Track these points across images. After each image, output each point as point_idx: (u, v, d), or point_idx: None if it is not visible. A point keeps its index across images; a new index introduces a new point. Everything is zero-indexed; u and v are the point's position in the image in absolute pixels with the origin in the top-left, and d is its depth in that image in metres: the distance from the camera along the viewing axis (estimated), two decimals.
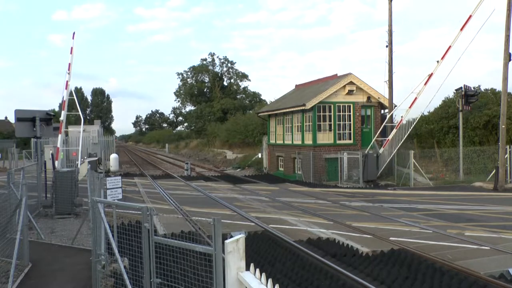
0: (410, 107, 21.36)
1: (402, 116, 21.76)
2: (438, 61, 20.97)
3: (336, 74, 26.16)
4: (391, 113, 24.59)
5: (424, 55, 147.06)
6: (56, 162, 16.07)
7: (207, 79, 69.51)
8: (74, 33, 19.41)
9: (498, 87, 23.09)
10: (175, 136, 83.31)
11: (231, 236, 4.38)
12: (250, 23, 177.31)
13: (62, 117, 17.55)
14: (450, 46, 20.18)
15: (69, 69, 18.43)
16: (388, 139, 21.84)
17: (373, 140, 23.11)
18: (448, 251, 8.81)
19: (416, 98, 21.16)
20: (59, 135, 17.35)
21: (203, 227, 10.64)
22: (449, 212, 13.66)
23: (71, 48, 19.02)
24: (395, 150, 21.58)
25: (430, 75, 20.79)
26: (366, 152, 21.63)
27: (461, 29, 19.79)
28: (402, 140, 21.36)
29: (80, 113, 22.47)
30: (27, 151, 34.16)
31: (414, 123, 21.76)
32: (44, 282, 7.13)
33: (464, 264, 7.85)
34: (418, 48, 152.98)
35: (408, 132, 21.60)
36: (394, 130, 21.65)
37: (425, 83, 21.00)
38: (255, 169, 32.45)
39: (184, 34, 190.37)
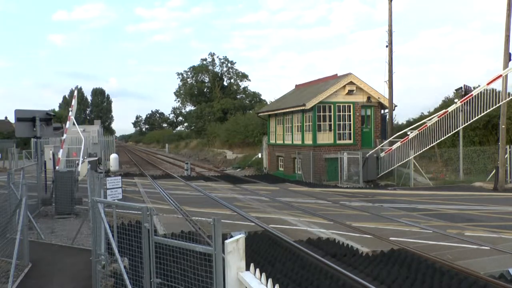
0: (419, 130, 21.21)
1: (408, 134, 21.56)
2: (456, 102, 20.70)
3: (336, 74, 26.16)
4: (391, 113, 24.60)
5: (424, 55, 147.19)
6: (57, 168, 16.37)
7: (207, 79, 69.52)
8: (77, 88, 22.20)
9: (498, 87, 23.08)
10: (175, 136, 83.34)
11: (231, 236, 4.38)
12: (250, 23, 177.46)
13: (64, 137, 19.45)
14: (471, 94, 19.87)
15: (71, 108, 21.22)
16: (391, 148, 21.78)
17: (379, 146, 22.94)
18: (448, 251, 8.81)
19: (426, 125, 20.98)
20: (61, 149, 18.35)
21: (203, 227, 10.64)
22: (449, 212, 13.66)
23: (74, 97, 22.37)
24: (402, 162, 21.41)
25: (445, 112, 20.61)
26: (367, 155, 21.59)
27: (488, 84, 19.36)
28: (412, 156, 21.07)
29: (81, 134, 23.42)
30: (27, 151, 34.17)
31: (429, 146, 21.21)
32: (44, 282, 7.13)
33: (464, 264, 7.85)
34: (418, 48, 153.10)
35: (421, 151, 21.16)
36: (399, 143, 21.49)
37: (439, 116, 20.83)
38: (255, 169, 32.45)
39: (184, 34, 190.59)
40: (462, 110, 20.38)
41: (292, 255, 8.74)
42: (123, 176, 20.26)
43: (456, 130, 20.65)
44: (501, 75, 18.87)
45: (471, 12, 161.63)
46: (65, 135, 19.49)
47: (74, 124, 21.54)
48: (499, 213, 13.35)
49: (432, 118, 21.06)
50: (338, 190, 19.99)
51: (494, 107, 19.39)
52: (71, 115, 20.22)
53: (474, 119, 20.26)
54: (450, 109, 20.55)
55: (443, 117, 20.81)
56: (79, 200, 13.48)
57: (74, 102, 21.37)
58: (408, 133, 21.40)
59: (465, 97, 20.31)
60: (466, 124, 20.51)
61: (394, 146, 21.62)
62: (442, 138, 20.86)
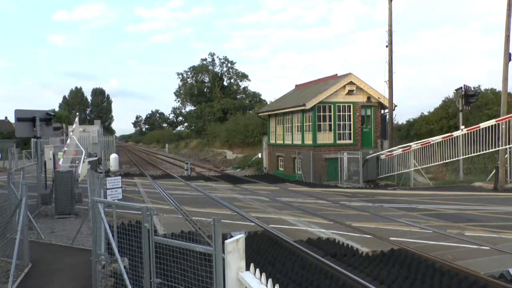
0: (422, 145, 20.86)
1: (411, 145, 21.34)
2: (462, 129, 20.01)
3: (336, 74, 26.16)
4: (391, 113, 24.59)
5: (424, 55, 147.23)
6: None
7: (207, 79, 69.55)
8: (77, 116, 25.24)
9: (498, 87, 23.10)
10: (175, 136, 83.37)
11: (231, 236, 4.38)
12: (250, 23, 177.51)
13: (65, 149, 20.71)
14: (479, 125, 19.07)
15: (72, 129, 23.72)
16: (392, 154, 21.72)
17: (381, 151, 22.79)
18: (448, 251, 8.81)
19: (429, 142, 20.53)
20: (62, 159, 19.10)
21: (203, 227, 10.63)
22: (449, 212, 13.66)
23: (75, 122, 25.34)
24: (402, 171, 21.28)
25: (450, 135, 20.09)
26: (367, 157, 21.55)
27: (497, 121, 18.45)
28: (413, 168, 20.84)
29: (81, 148, 24.32)
30: (27, 151, 34.17)
31: (430, 165, 20.55)
32: (44, 282, 7.13)
33: (464, 264, 7.85)
34: (418, 48, 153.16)
35: (421, 166, 20.67)
36: (400, 151, 21.38)
37: (443, 138, 20.51)
38: (255, 169, 32.45)
39: (184, 34, 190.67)
40: (465, 139, 19.52)
41: (292, 255, 8.73)
42: (123, 176, 20.26)
43: (456, 159, 20.06)
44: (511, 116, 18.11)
45: (471, 12, 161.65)
46: (65, 148, 20.48)
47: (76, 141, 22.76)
48: (499, 213, 13.35)
49: (437, 138, 20.59)
50: (338, 190, 19.99)
51: (498, 148, 18.38)
52: (72, 135, 22.19)
53: (475, 154, 19.47)
54: (455, 134, 19.91)
55: (447, 139, 20.12)
56: (79, 196, 13.39)
57: (75, 126, 24.26)
58: (412, 144, 21.17)
59: (472, 127, 19.51)
60: (465, 156, 19.82)
61: (395, 153, 21.49)
62: (443, 161, 20.24)
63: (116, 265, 6.02)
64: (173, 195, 17.40)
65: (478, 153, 19.10)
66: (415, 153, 20.75)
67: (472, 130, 19.28)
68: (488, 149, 18.63)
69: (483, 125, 18.99)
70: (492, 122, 18.69)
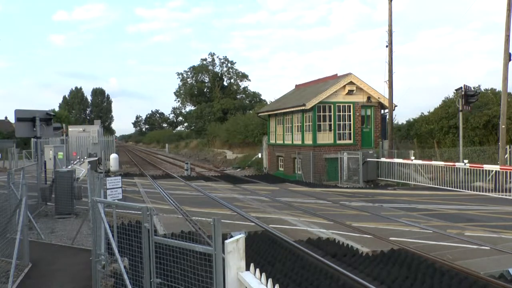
0: (423, 162, 20.59)
1: (412, 158, 21.13)
2: (465, 164, 19.15)
3: (336, 74, 26.15)
4: (391, 113, 24.58)
5: (424, 55, 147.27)
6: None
7: (207, 79, 69.56)
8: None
9: (498, 87, 23.11)
10: (175, 136, 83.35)
11: (231, 236, 4.38)
12: (250, 23, 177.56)
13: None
14: (482, 166, 18.14)
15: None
16: (393, 158, 21.68)
17: (383, 159, 22.70)
18: (448, 251, 8.81)
19: (431, 164, 20.20)
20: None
21: (203, 227, 10.64)
22: (449, 212, 13.66)
23: None
24: (402, 180, 21.06)
25: (453, 164, 19.18)
26: (367, 159, 21.50)
27: (502, 168, 17.79)
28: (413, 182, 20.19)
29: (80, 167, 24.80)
30: (27, 151, 34.16)
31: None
32: (44, 282, 7.13)
33: (464, 264, 7.85)
34: (418, 48, 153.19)
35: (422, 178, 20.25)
36: (401, 160, 21.25)
37: (445, 165, 20.06)
38: (255, 169, 32.44)
39: (184, 34, 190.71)
40: (466, 172, 18.58)
41: (292, 255, 8.74)
42: (123, 176, 20.25)
43: (455, 190, 18.93)
44: None
45: (471, 12, 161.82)
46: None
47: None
48: (499, 213, 13.35)
49: (438, 163, 20.12)
50: (338, 190, 19.98)
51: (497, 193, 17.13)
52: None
53: (475, 193, 18.21)
54: (457, 165, 19.09)
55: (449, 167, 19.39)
56: (79, 190, 13.32)
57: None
58: (412, 158, 21.03)
59: (475, 165, 18.63)
60: (465, 191, 18.67)
61: (396, 160, 21.39)
62: (444, 188, 19.49)
63: (116, 265, 6.02)
64: (173, 195, 17.40)
65: (480, 194, 18.49)
66: (416, 167, 20.62)
67: (474, 168, 18.58)
68: (489, 192, 17.99)
69: (486, 167, 18.36)
70: (496, 167, 18.19)
